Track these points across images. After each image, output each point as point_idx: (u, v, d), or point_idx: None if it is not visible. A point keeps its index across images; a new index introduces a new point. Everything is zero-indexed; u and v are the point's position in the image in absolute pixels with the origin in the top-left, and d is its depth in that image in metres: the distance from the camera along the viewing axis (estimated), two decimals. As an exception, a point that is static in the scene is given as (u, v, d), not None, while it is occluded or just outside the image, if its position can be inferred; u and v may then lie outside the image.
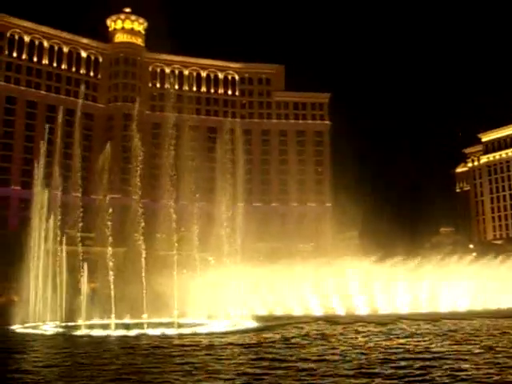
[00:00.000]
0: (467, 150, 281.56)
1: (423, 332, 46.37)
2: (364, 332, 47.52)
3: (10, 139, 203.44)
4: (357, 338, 42.97)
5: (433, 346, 36.48)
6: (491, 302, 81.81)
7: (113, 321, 51.37)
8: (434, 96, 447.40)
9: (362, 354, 32.99)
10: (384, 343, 38.53)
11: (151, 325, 51.02)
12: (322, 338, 42.71)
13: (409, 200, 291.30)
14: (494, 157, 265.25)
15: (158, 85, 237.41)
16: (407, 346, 36.26)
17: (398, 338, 42.24)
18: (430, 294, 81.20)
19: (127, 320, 55.32)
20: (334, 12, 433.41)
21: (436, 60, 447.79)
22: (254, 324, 54.88)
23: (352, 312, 75.78)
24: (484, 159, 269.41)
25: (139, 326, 50.57)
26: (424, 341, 39.43)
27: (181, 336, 44.96)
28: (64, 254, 61.08)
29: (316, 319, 64.67)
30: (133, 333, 47.01)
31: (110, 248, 55.13)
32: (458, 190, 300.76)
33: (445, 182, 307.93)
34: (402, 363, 28.92)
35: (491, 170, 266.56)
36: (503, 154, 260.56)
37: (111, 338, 45.40)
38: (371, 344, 38.26)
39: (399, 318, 62.05)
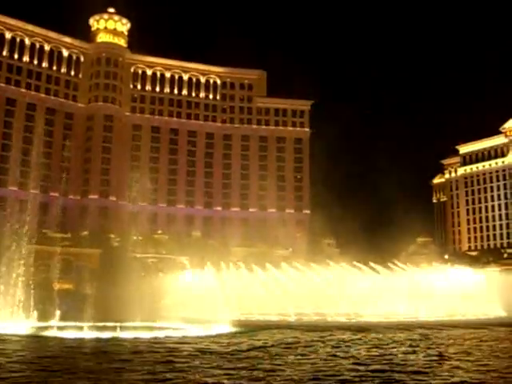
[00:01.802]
0: (445, 162, 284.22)
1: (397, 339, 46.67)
2: (336, 340, 47.66)
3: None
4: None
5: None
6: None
7: (85, 323, 50.85)
8: (413, 106, 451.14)
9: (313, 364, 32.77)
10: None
11: (127, 328, 50.48)
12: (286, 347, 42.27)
13: (386, 209, 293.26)
14: (471, 169, 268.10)
15: (139, 86, 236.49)
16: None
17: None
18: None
19: (101, 322, 54.49)
20: (318, 19, 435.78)
21: (416, 69, 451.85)
22: (230, 329, 54.25)
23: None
24: (461, 171, 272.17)
25: (112, 328, 49.94)
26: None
27: (143, 340, 43.93)
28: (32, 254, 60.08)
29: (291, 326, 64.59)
30: (104, 335, 46.36)
31: (85, 249, 54.82)
32: (434, 201, 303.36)
33: (422, 192, 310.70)
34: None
35: (468, 181, 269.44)
36: (480, 166, 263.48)
37: (76, 340, 44.19)
38: (342, 354, 38.28)
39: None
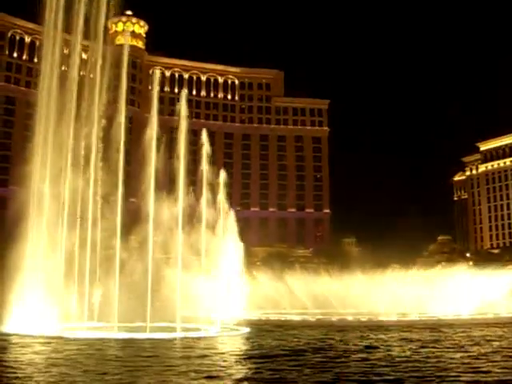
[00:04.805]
0: (465, 159, 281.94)
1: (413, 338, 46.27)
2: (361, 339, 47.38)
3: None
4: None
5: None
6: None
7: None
8: (434, 104, 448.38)
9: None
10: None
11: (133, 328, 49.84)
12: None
13: (407, 207, 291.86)
14: (492, 166, 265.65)
15: (158, 88, 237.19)
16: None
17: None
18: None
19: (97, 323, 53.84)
20: (335, 18, 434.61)
21: (436, 67, 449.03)
22: (238, 330, 53.27)
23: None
24: (482, 168, 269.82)
25: (109, 328, 49.34)
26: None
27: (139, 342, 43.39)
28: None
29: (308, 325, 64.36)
30: (99, 335, 45.86)
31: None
32: (455, 199, 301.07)
33: (443, 190, 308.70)
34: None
35: (489, 178, 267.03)
36: (501, 163, 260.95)
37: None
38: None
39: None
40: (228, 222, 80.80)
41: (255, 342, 44.14)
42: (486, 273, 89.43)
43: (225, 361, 33.06)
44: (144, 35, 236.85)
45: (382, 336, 49.74)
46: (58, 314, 51.75)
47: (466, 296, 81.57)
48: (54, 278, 53.05)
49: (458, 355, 35.11)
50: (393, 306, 78.90)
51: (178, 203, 54.09)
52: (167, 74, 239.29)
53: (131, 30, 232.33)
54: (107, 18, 63.55)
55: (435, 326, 61.29)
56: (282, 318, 74.48)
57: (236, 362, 32.99)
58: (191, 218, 57.87)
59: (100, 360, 32.89)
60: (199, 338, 46.55)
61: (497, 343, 43.39)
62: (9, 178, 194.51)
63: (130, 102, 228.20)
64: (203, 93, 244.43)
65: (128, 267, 54.60)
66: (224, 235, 73.56)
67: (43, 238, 53.78)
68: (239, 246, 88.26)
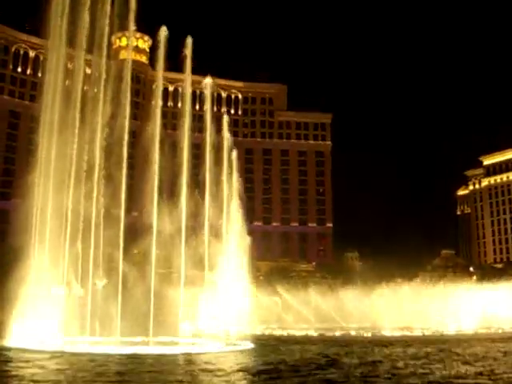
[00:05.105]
0: (468, 173, 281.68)
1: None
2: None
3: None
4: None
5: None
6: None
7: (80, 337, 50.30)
8: (437, 118, 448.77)
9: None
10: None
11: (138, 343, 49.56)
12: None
13: (410, 221, 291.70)
14: (495, 180, 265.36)
15: (161, 102, 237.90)
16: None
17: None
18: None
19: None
20: (338, 32, 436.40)
21: (439, 81, 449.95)
22: (241, 345, 52.71)
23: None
24: (485, 182, 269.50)
25: (111, 343, 48.76)
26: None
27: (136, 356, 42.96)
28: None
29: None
30: (100, 350, 45.34)
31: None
32: (458, 213, 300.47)
33: (446, 204, 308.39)
34: None
35: (492, 193, 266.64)
36: (504, 177, 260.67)
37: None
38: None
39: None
40: (234, 235, 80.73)
41: (259, 358, 43.86)
42: (490, 287, 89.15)
43: (228, 377, 32.80)
44: (148, 50, 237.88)
45: (386, 351, 49.44)
46: (60, 327, 51.51)
47: (469, 311, 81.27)
48: (57, 292, 52.89)
49: (463, 369, 34.89)
50: (396, 321, 78.67)
51: (181, 214, 54.14)
52: (170, 88, 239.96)
53: (135, 45, 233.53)
54: (111, 33, 63.92)
55: (439, 342, 60.96)
56: (285, 333, 74.19)
57: (239, 378, 32.73)
58: (195, 230, 57.88)
59: (101, 375, 32.60)
60: (202, 353, 46.24)
61: (504, 358, 43.10)
62: (12, 192, 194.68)
63: (133, 117, 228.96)
64: (207, 107, 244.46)
65: (130, 281, 54.46)
66: (228, 249, 73.57)
67: (45, 251, 53.67)
68: (244, 261, 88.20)
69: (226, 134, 61.22)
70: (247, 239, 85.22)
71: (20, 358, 41.13)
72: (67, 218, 54.72)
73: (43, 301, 52.19)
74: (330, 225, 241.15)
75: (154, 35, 64.59)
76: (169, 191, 56.42)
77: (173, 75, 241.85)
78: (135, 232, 55.07)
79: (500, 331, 76.21)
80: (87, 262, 54.49)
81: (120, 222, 52.83)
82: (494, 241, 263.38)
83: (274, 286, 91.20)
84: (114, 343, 48.68)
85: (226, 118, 68.81)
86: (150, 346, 48.64)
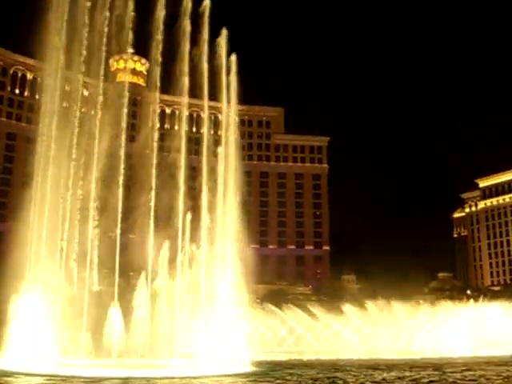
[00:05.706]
0: (465, 195, 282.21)
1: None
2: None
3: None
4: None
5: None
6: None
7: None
8: (432, 141, 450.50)
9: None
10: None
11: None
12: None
13: (407, 244, 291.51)
14: (491, 202, 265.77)
15: (158, 125, 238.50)
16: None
17: None
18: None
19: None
20: (334, 56, 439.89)
21: (433, 104, 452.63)
22: (239, 369, 51.64)
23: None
24: (482, 205, 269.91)
25: (106, 365, 48.06)
26: None
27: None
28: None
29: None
30: (95, 372, 44.39)
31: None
32: (455, 235, 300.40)
33: (443, 226, 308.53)
34: None
35: (488, 215, 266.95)
36: (500, 199, 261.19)
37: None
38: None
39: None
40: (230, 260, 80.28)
41: (256, 382, 43.30)
42: (487, 310, 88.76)
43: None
44: (145, 73, 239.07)
45: (385, 375, 48.91)
46: (55, 349, 50.92)
47: (467, 334, 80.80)
48: (52, 314, 52.44)
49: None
50: (393, 344, 78.13)
51: (178, 235, 54.02)
52: (168, 110, 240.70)
53: (132, 68, 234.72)
54: (109, 56, 64.27)
55: (437, 366, 60.37)
56: (284, 358, 73.49)
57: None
58: (192, 254, 57.69)
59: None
60: (199, 377, 45.64)
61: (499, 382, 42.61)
62: (7, 213, 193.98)
63: (130, 139, 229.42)
64: (203, 130, 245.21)
65: (127, 304, 54.07)
66: (225, 272, 73.10)
67: (41, 274, 53.32)
68: (241, 284, 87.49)
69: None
70: (243, 262, 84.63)
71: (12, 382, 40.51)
72: (63, 240, 54.50)
73: (39, 322, 51.74)
74: (327, 248, 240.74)
75: (151, 58, 64.76)
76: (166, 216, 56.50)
77: (169, 98, 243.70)
78: (132, 253, 54.95)
79: (496, 354, 75.72)
80: (83, 286, 54.15)
81: (116, 245, 52.68)
82: (490, 264, 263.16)
83: (271, 309, 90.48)
84: (109, 366, 48.20)
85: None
86: (146, 368, 48.07)
